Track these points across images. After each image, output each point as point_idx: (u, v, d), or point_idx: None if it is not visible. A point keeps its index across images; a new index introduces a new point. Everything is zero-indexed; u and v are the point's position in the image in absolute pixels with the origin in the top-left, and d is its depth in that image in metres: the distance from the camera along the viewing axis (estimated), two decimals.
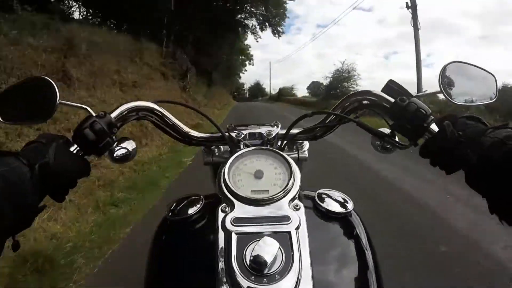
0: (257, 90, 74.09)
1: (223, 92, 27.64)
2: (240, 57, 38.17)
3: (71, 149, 0.47)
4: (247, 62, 41.82)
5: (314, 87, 58.25)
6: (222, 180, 0.46)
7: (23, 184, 0.39)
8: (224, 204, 0.44)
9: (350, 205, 0.52)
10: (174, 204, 0.55)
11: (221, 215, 0.42)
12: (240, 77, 48.03)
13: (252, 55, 41.46)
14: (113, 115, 0.51)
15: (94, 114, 0.49)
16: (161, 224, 0.56)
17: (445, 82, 0.55)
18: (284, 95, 39.71)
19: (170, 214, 0.53)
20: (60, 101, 0.50)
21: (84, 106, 0.52)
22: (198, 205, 0.52)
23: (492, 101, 0.59)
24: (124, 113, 0.53)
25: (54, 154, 0.43)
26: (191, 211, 0.52)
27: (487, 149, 0.40)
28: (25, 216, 0.40)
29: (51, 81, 0.52)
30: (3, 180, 0.37)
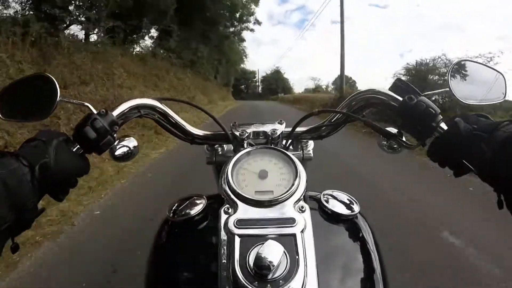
0: (275, 82, 50.09)
1: (201, 86, 14.46)
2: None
3: (71, 147, 0.46)
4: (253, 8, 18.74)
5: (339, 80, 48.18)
6: (225, 180, 0.45)
7: (23, 187, 0.38)
8: (227, 205, 0.43)
9: (356, 207, 0.51)
10: (176, 205, 0.54)
11: (223, 217, 0.41)
12: (241, 48, 25.27)
13: None
14: (114, 112, 0.50)
15: (95, 112, 0.48)
16: (162, 225, 0.55)
17: (454, 80, 0.54)
18: None
19: (171, 215, 0.52)
20: (60, 98, 0.50)
21: (86, 104, 0.51)
22: (200, 206, 0.51)
23: (501, 100, 0.57)
24: (126, 110, 0.52)
25: (54, 153, 0.42)
26: (193, 212, 0.51)
27: (502, 142, 0.39)
28: (24, 218, 0.39)
29: (52, 78, 0.51)
30: (2, 184, 0.36)
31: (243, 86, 51.79)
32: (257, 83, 55.45)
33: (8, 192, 0.36)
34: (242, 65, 31.69)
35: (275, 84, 51.17)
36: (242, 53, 27.03)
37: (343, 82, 14.30)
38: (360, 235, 0.50)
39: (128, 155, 0.52)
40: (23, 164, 0.39)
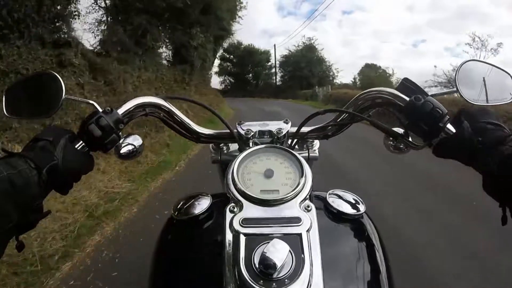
0: (308, 64, 26.96)
1: None
2: None
3: (77, 145, 0.46)
4: None
5: (368, 70, 26.66)
6: (230, 179, 0.45)
7: (30, 188, 0.38)
8: (233, 204, 0.42)
9: (362, 207, 0.51)
10: (181, 203, 0.54)
11: (229, 216, 0.41)
12: None
13: None
14: (120, 111, 0.50)
15: (100, 110, 0.48)
16: (167, 224, 0.55)
17: (461, 81, 0.53)
18: None
19: (176, 213, 0.52)
20: (66, 96, 0.50)
21: (91, 102, 0.51)
22: (206, 205, 0.51)
23: (509, 101, 0.57)
24: (132, 109, 0.52)
25: (62, 154, 0.42)
26: (198, 210, 0.51)
27: (507, 157, 0.39)
28: (30, 218, 0.40)
29: (57, 75, 0.51)
30: (10, 183, 0.36)
31: (250, 75, 31.52)
32: (274, 69, 30.86)
33: (16, 192, 0.36)
34: (235, 32, 12.44)
35: (308, 68, 26.34)
36: None
37: None
38: (366, 235, 0.50)
39: (134, 153, 0.52)
40: (31, 166, 0.39)
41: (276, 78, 31.09)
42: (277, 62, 30.82)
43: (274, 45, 31.62)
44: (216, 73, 30.75)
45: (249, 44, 31.28)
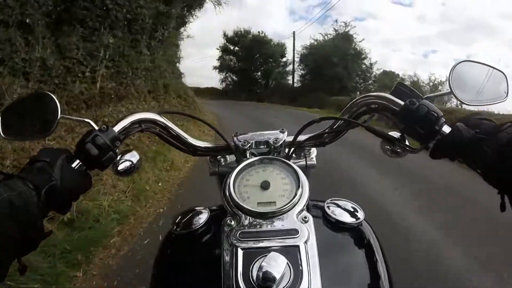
0: (342, 59, 18.37)
1: None
2: None
3: (74, 164, 0.46)
4: None
5: (385, 77, 20.21)
6: (227, 192, 0.45)
7: (30, 209, 0.39)
8: (230, 218, 0.43)
9: (360, 215, 0.51)
10: (180, 217, 0.54)
11: (226, 229, 0.41)
12: None
13: None
14: (115, 128, 0.50)
15: (96, 128, 0.49)
16: (166, 238, 0.55)
17: (455, 82, 0.53)
18: None
19: (175, 228, 0.52)
20: (61, 115, 0.50)
21: (87, 120, 0.51)
22: (204, 218, 0.51)
23: (504, 100, 0.57)
24: (127, 125, 0.52)
25: (60, 174, 0.43)
26: (196, 224, 0.51)
27: (505, 145, 0.39)
28: (31, 238, 0.40)
29: (53, 96, 0.52)
30: (10, 205, 0.36)
31: (258, 73, 25.34)
32: (291, 66, 23.69)
33: (16, 213, 0.37)
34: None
35: (343, 65, 19.05)
36: None
37: None
38: (365, 243, 0.50)
39: (131, 169, 0.53)
40: (30, 187, 0.39)
41: (293, 77, 23.02)
42: (296, 56, 22.52)
43: (294, 32, 22.51)
44: (216, 68, 26.46)
45: (259, 32, 23.93)
